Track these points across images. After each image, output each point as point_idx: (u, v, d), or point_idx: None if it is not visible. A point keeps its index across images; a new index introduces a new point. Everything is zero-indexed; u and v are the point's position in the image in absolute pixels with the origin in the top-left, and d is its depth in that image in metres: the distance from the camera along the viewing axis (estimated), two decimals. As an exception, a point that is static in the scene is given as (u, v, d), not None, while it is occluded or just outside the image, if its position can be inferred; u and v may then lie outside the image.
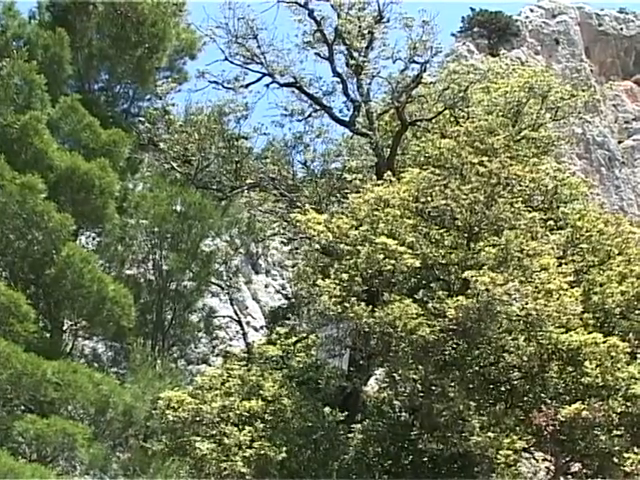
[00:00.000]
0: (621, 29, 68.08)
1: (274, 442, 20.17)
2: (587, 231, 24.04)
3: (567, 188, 26.14)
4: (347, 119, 27.87)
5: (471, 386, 20.89)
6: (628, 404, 20.44)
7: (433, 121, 27.38)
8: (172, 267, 23.60)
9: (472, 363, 21.04)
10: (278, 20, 27.48)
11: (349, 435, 21.47)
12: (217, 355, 28.26)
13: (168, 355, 23.88)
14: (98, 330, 20.83)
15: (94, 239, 21.79)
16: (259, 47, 27.37)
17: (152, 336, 23.49)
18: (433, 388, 20.53)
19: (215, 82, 27.66)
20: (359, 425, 21.77)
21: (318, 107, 28.23)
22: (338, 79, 27.76)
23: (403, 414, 22.39)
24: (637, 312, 23.45)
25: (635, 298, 23.25)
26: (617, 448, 20.24)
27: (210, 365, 26.97)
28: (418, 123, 27.62)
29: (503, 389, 21.95)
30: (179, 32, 24.59)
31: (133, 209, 22.67)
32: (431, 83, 28.02)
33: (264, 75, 27.67)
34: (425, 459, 21.13)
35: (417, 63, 27.40)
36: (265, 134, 29.47)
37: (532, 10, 64.83)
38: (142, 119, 26.94)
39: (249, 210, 28.94)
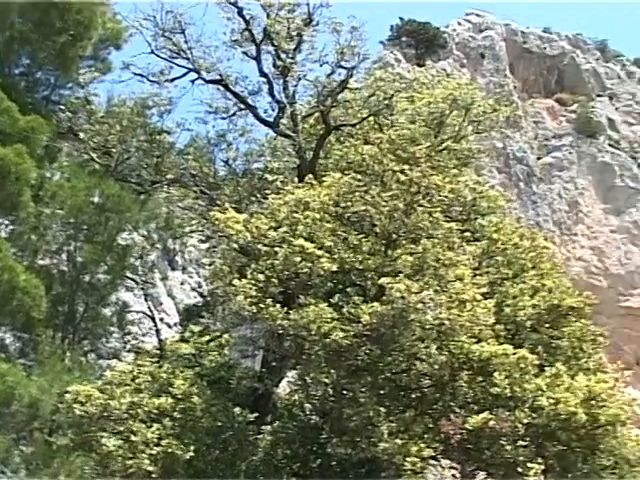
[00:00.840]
0: (545, 48, 69.37)
1: (182, 440, 19.93)
2: (503, 244, 24.45)
3: (485, 201, 26.44)
4: (271, 120, 27.76)
5: (382, 392, 21.01)
6: (534, 415, 20.81)
7: (357, 127, 27.47)
8: (87, 259, 23.20)
9: (384, 369, 21.11)
10: (207, 16, 27.32)
11: (258, 436, 21.38)
12: (129, 351, 27.80)
13: (78, 348, 23.45)
14: (6, 320, 20.32)
15: (7, 227, 21.28)
16: (186, 42, 27.09)
17: (62, 328, 23.03)
18: (344, 393, 20.59)
19: (140, 75, 27.28)
20: (269, 427, 21.70)
21: (243, 106, 28.05)
22: (264, 79, 27.65)
23: (313, 417, 22.36)
24: (547, 325, 23.95)
25: (546, 312, 23.73)
26: (522, 458, 20.57)
27: (121, 360, 26.53)
28: (342, 128, 27.67)
29: (413, 396, 22.10)
30: (105, 21, 24.20)
31: (49, 198, 22.19)
32: (357, 89, 28.11)
33: (190, 70, 27.42)
34: (333, 463, 21.16)
35: (344, 68, 27.47)
36: (188, 130, 29.20)
37: (460, 23, 65.69)
38: (63, 107, 26.42)
39: (168, 206, 28.64)
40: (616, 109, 69.59)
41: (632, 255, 61.35)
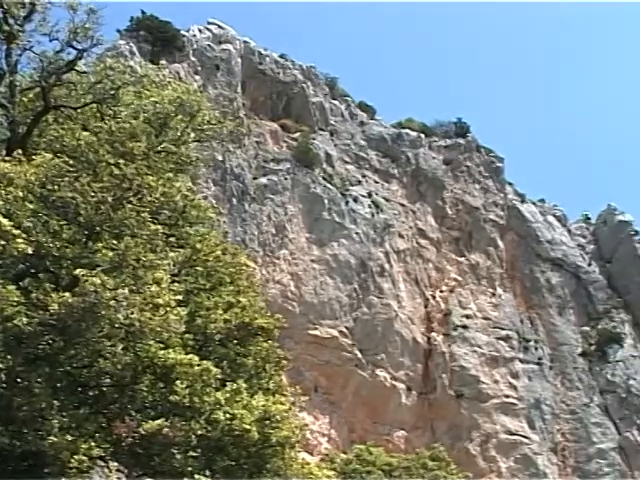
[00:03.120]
0: (279, 73, 71.07)
1: None
2: (205, 255, 24.49)
3: (196, 210, 26.37)
4: (-12, 86, 26.24)
5: (59, 385, 20.30)
6: (209, 428, 20.90)
7: (78, 111, 26.52)
8: None
9: (65, 362, 20.43)
10: None
11: None
12: None
13: None
14: None
15: None
16: None
17: None
18: (19, 381, 19.66)
19: None
20: None
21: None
22: (-14, 41, 26.08)
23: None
24: (235, 342, 24.19)
25: (236, 328, 23.97)
26: (190, 469, 20.61)
27: None
28: (62, 109, 26.62)
29: (91, 394, 21.53)
30: None
31: None
32: (84, 72, 27.18)
33: None
34: (-7, 453, 20.13)
35: (75, 49, 26.47)
36: None
37: (200, 31, 65.86)
38: None
39: None
40: (335, 145, 72.44)
41: (327, 287, 63.80)
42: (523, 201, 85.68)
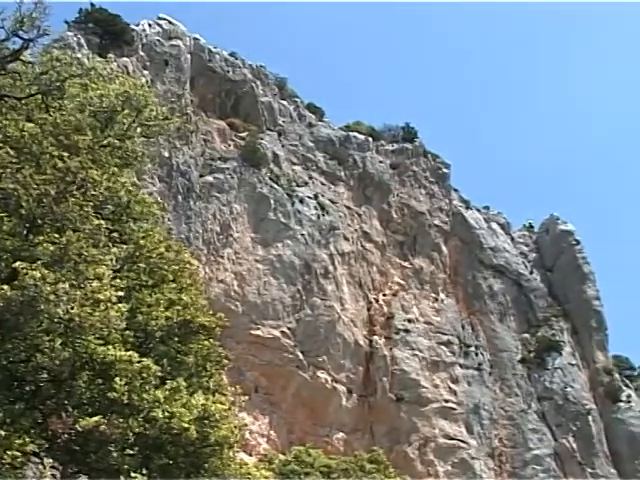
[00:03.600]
0: (228, 71, 70.79)
1: None
2: (148, 251, 24.24)
3: (140, 205, 26.12)
4: None
5: (-6, 379, 19.96)
6: (147, 426, 20.69)
7: (23, 102, 26.08)
8: None
9: (1, 356, 20.11)
10: None
11: None
12: None
13: None
14: None
15: None
16: None
17: None
18: (-48, 375, 19.33)
19: None
20: None
21: None
22: None
23: None
24: (176, 339, 23.98)
25: (177, 326, 23.76)
26: (127, 467, 20.39)
27: None
28: (6, 99, 26.15)
29: (28, 389, 21.18)
30: None
31: None
32: (30, 63, 26.76)
33: None
34: None
35: (21, 38, 25.99)
36: None
37: (150, 25, 65.32)
38: None
39: None
40: (282, 146, 72.36)
41: (271, 287, 63.69)
42: (468, 207, 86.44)
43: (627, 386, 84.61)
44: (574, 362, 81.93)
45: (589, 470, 75.02)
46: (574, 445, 75.71)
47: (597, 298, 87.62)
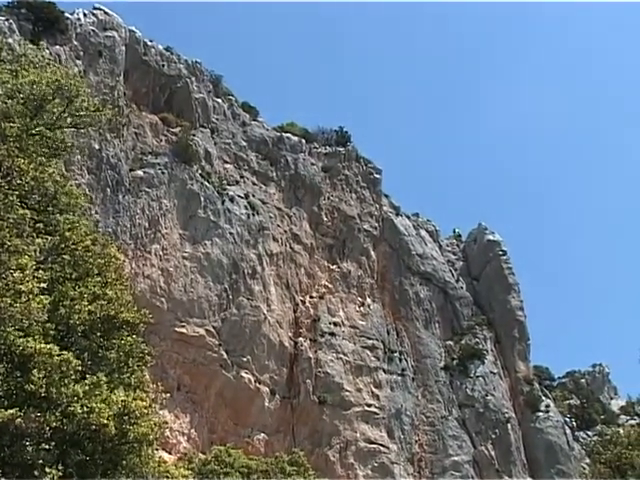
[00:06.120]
0: (163, 66, 70.09)
1: None
2: (74, 244, 23.88)
3: (67, 197, 25.72)
4: None
5: None
6: (65, 421, 20.39)
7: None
8: None
9: None
10: None
11: None
12: None
13: None
14: None
15: None
16: None
17: None
18: None
19: None
20: None
21: None
22: None
23: None
24: (99, 334, 23.67)
25: (100, 320, 23.48)
26: (42, 462, 20.02)
27: None
28: None
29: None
30: None
31: None
32: (-42, 46, 26.26)
33: None
34: None
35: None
36: None
37: (86, 15, 64.34)
38: None
39: None
40: (215, 144, 71.90)
41: (197, 285, 63.21)
42: (398, 214, 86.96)
43: (546, 396, 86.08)
44: (496, 371, 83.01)
45: (506, 477, 76.12)
46: (492, 453, 76.70)
47: (521, 309, 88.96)
